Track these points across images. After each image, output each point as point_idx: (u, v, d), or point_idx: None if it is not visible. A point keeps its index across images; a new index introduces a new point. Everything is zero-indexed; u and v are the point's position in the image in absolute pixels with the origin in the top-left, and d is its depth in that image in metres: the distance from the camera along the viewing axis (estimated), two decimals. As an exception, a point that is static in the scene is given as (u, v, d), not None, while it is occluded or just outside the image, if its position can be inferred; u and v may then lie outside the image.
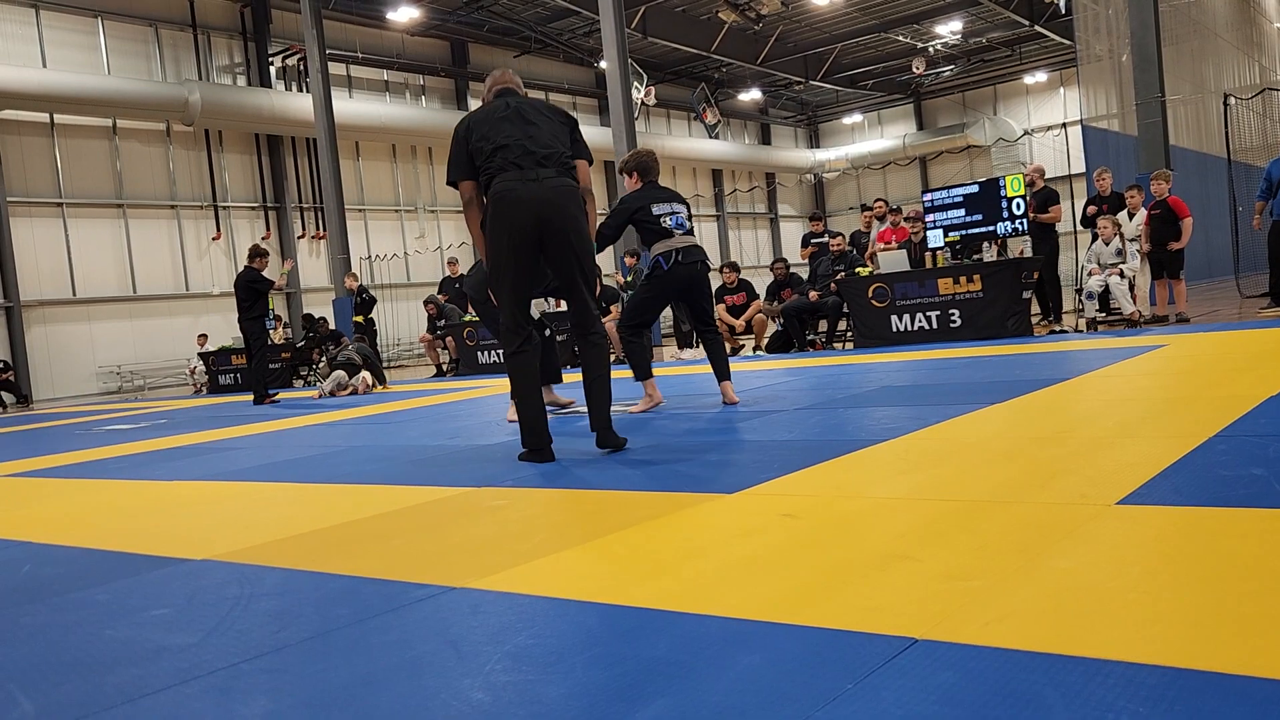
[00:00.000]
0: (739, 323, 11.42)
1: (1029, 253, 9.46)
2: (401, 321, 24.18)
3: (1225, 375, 4.68)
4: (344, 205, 19.76)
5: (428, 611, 2.01)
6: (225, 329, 19.12)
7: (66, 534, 3.41)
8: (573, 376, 9.72)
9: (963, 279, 9.19)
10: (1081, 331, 8.91)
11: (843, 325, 10.80)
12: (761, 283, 13.22)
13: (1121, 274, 8.83)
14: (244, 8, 23.25)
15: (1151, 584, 1.74)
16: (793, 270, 11.89)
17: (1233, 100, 12.70)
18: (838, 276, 10.56)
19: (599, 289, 4.28)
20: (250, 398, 11.31)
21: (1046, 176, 10.55)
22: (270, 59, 23.45)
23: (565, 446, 4.31)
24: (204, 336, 18.40)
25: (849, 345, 10.52)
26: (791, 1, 25.78)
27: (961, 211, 9.62)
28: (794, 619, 1.73)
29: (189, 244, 22.23)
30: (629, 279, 13.10)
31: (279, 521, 3.26)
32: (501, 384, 7.74)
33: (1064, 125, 26.50)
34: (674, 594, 1.96)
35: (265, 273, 10.83)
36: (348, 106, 22.41)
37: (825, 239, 11.87)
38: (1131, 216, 9.46)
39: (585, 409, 6.00)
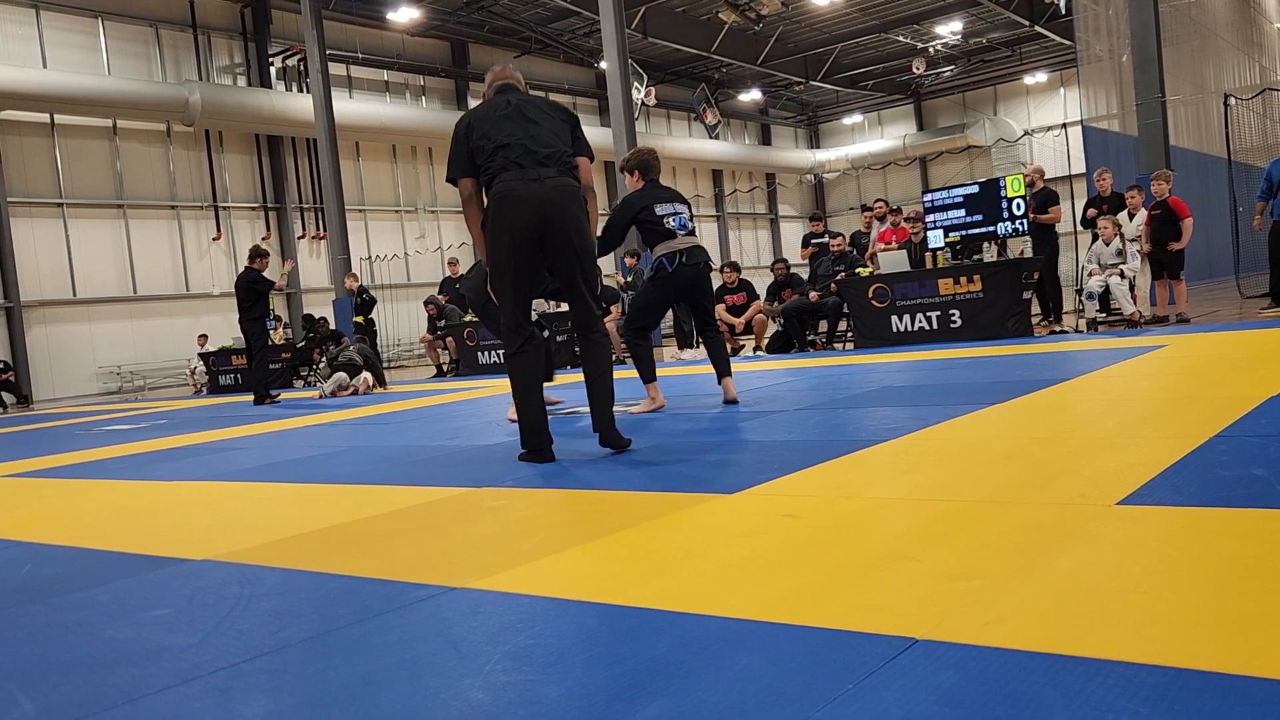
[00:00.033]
0: (739, 322, 11.42)
1: (1029, 253, 9.46)
2: (402, 322, 24.18)
3: (1225, 375, 4.68)
4: (344, 205, 19.77)
5: (428, 612, 2.01)
6: (225, 329, 19.13)
7: (67, 534, 3.41)
8: (574, 376, 9.75)
9: (963, 279, 9.19)
10: (1082, 332, 8.91)
11: (843, 325, 10.80)
12: (762, 283, 13.22)
13: (1122, 274, 8.83)
14: (244, 8, 23.26)
15: (1152, 584, 1.74)
16: (793, 271, 11.89)
17: (1233, 100, 12.70)
18: (838, 277, 10.56)
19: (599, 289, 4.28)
20: (250, 398, 11.32)
21: (1047, 177, 10.55)
22: (270, 59, 23.46)
23: (565, 447, 4.31)
24: (204, 337, 18.40)
25: (849, 345, 10.52)
26: (792, 2, 25.79)
27: (962, 212, 9.62)
28: (794, 619, 1.73)
29: (189, 244, 22.24)
30: (629, 279, 13.10)
31: (279, 522, 3.26)
32: (502, 384, 7.74)
33: (1064, 125, 26.48)
34: (674, 594, 1.96)
35: (266, 273, 10.84)
36: (348, 107, 22.42)
37: (825, 239, 11.87)
38: (1132, 217, 9.46)
39: (578, 408, 6.02)
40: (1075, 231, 11.10)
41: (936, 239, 9.75)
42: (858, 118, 38.24)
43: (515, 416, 4.50)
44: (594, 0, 17.18)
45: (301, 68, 23.44)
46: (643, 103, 26.75)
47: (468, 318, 13.27)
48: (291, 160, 24.28)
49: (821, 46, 30.42)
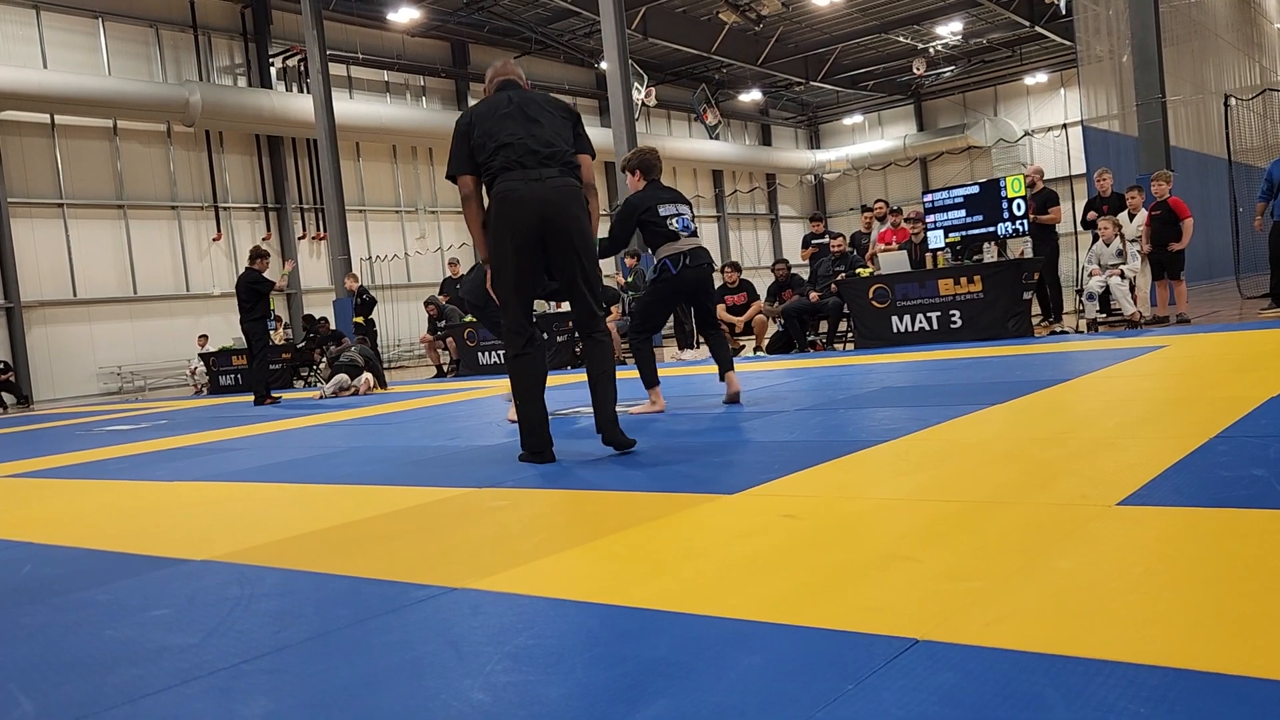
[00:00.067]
0: (739, 321, 11.42)
1: (1029, 253, 9.46)
2: (402, 322, 24.19)
3: (1226, 376, 4.68)
4: (344, 206, 19.78)
5: (428, 612, 2.01)
6: (226, 330, 19.14)
7: (67, 534, 3.41)
8: (572, 377, 9.75)
9: (963, 280, 9.19)
10: (1082, 332, 8.91)
11: (843, 326, 10.80)
12: (762, 284, 13.21)
13: (1122, 275, 8.83)
14: (244, 8, 23.27)
15: (1152, 584, 1.74)
16: (794, 271, 11.89)
17: (1233, 101, 12.70)
18: (838, 277, 10.56)
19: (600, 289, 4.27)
20: (251, 398, 11.32)
21: (1047, 177, 10.56)
22: (271, 60, 23.47)
23: (566, 447, 4.30)
24: (204, 337, 18.40)
25: (849, 346, 10.52)
26: (792, 2, 25.80)
27: (962, 212, 9.62)
28: (795, 619, 1.73)
29: (189, 245, 22.25)
30: (629, 279, 13.10)
31: (279, 522, 3.26)
32: (502, 385, 7.74)
33: (1064, 126, 26.48)
34: (675, 594, 1.96)
35: (266, 274, 10.84)
36: (348, 107, 22.43)
37: (826, 240, 11.86)
38: (1132, 217, 9.46)
39: (580, 408, 6.02)
40: (1075, 232, 11.10)
41: (937, 239, 9.75)
42: (858, 118, 38.25)
43: (515, 417, 4.50)
44: (594, 1, 17.18)
45: (302, 68, 23.45)
46: (643, 103, 26.75)
47: (468, 318, 13.27)
48: (292, 161, 24.29)
49: (822, 47, 30.43)
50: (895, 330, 9.64)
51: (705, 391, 6.70)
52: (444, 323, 14.14)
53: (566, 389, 8.03)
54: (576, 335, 12.69)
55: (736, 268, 11.92)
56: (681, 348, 12.77)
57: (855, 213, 29.08)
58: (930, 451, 3.35)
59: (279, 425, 7.51)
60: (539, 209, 3.80)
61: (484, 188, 3.98)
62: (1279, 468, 2.52)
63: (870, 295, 9.82)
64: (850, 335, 10.54)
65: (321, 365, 15.03)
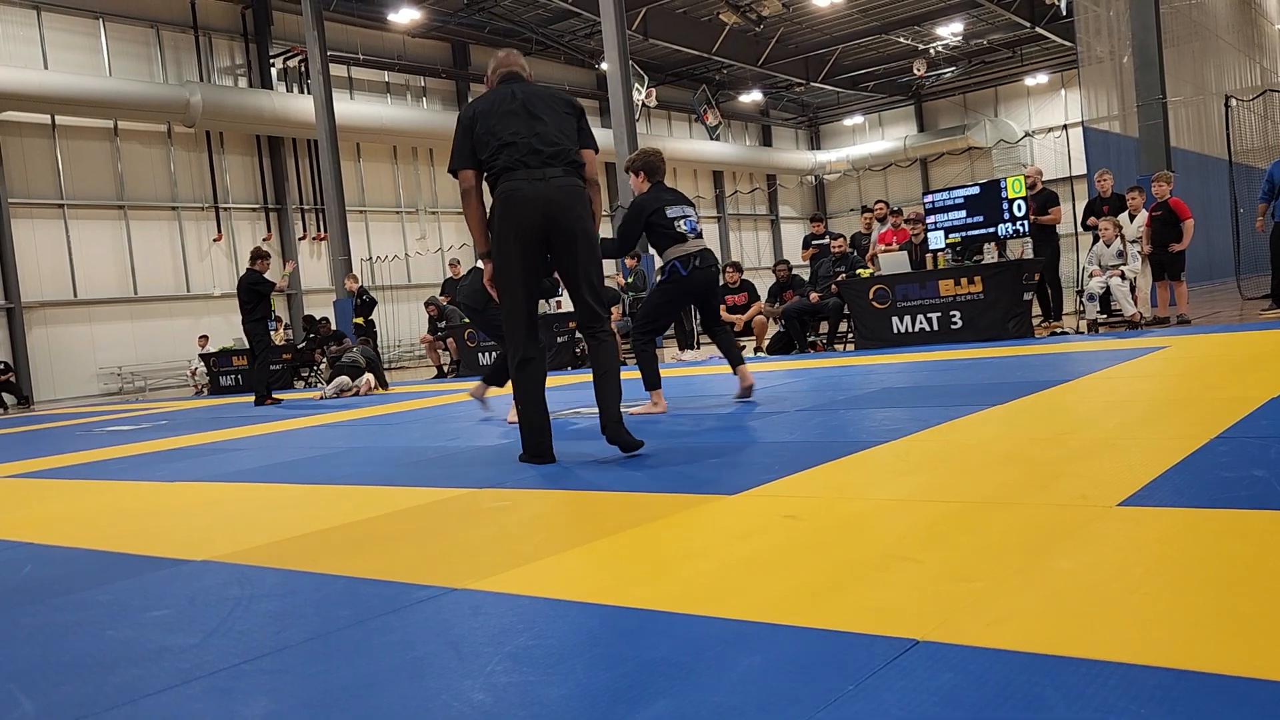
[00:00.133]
0: (739, 320, 11.42)
1: (1029, 254, 9.46)
2: (402, 323, 24.19)
3: (1226, 377, 4.68)
4: (345, 207, 19.79)
5: (429, 613, 2.01)
6: (226, 330, 19.14)
7: (68, 535, 3.41)
8: (570, 378, 9.76)
9: (964, 281, 9.19)
10: (1082, 333, 8.91)
11: (844, 327, 10.81)
12: (762, 284, 13.21)
13: (1123, 275, 8.83)
14: (245, 9, 23.28)
15: (1152, 585, 1.74)
16: (794, 272, 11.89)
17: (1234, 102, 12.70)
18: (839, 278, 10.56)
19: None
20: (251, 399, 11.33)
21: (1048, 178, 10.57)
22: (271, 60, 23.48)
23: (566, 448, 4.30)
24: (205, 338, 18.41)
25: (850, 347, 10.52)
26: (792, 3, 25.81)
27: (962, 213, 9.62)
28: (795, 620, 1.73)
29: (190, 245, 22.26)
30: (630, 280, 13.11)
31: (280, 522, 3.26)
32: (507, 384, 7.74)
33: (1065, 127, 26.50)
34: (675, 595, 1.96)
35: (267, 275, 10.85)
36: (349, 108, 22.44)
37: (826, 240, 11.87)
38: (1132, 218, 9.46)
39: (581, 409, 6.02)
40: (1076, 233, 11.10)
41: (937, 240, 9.75)
42: (858, 119, 38.26)
43: (516, 418, 4.49)
44: (595, 2, 17.20)
45: (302, 69, 23.47)
46: (644, 104, 26.76)
47: (465, 320, 13.27)
48: (292, 161, 24.30)
49: (822, 48, 30.44)
50: (895, 331, 9.64)
51: (706, 392, 6.70)
52: (444, 323, 14.14)
53: (566, 389, 8.03)
54: (577, 336, 12.75)
55: (738, 268, 11.93)
56: (682, 348, 12.77)
57: (856, 213, 29.07)
58: (931, 452, 3.35)
59: (280, 426, 7.51)
60: (543, 208, 3.80)
61: (487, 184, 3.97)
62: (1279, 468, 2.52)
63: (870, 296, 9.82)
64: (850, 336, 10.54)
65: (322, 366, 15.04)
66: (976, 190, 9.67)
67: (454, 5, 24.58)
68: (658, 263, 5.68)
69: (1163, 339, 7.09)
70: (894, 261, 9.85)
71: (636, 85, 23.82)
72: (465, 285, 6.71)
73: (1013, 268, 8.99)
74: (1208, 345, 6.34)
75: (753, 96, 33.92)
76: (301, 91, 23.52)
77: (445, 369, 14.39)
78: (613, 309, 11.62)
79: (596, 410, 3.98)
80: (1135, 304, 8.80)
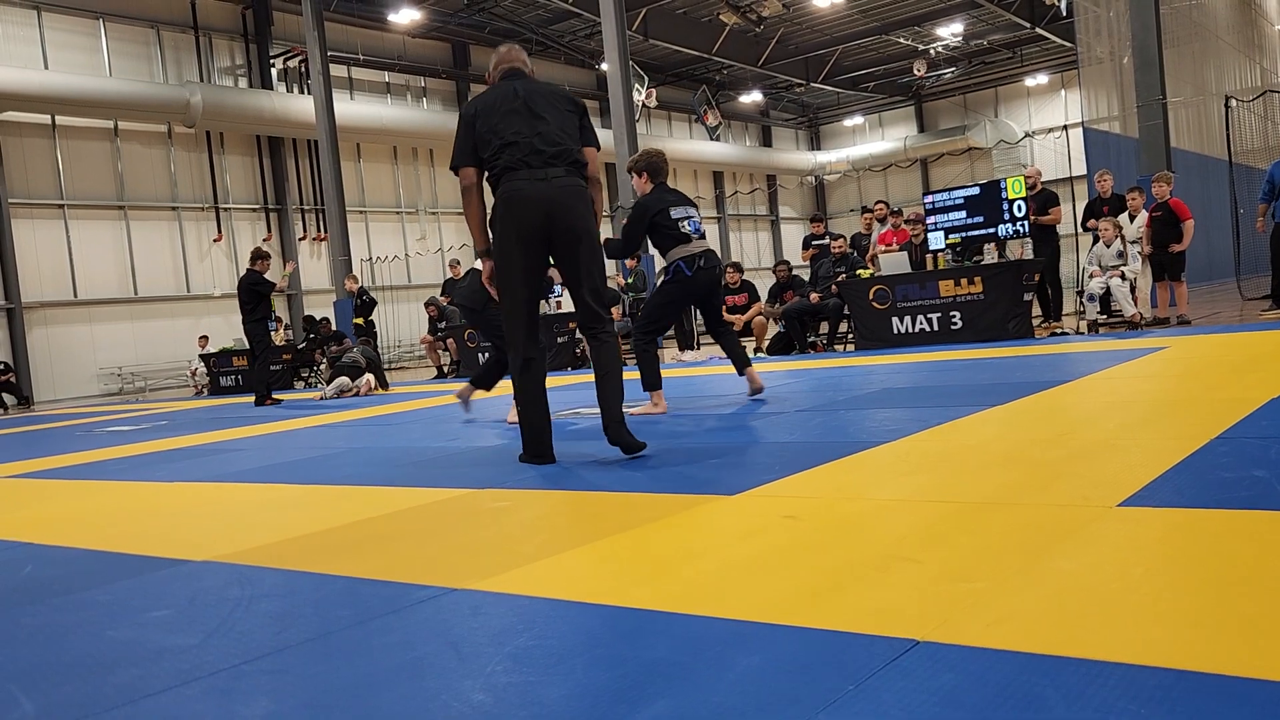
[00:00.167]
0: (738, 320, 11.42)
1: (1029, 255, 9.46)
2: (402, 323, 24.19)
3: (1226, 377, 4.68)
4: (345, 207, 19.79)
5: (429, 613, 2.01)
6: (226, 330, 19.14)
7: (68, 535, 3.41)
8: (569, 379, 9.76)
9: (964, 281, 9.19)
10: (1082, 334, 8.91)
11: (844, 327, 10.81)
12: (762, 285, 13.21)
13: (1123, 276, 8.83)
14: (245, 9, 23.29)
15: (1153, 586, 1.74)
16: (794, 273, 11.89)
17: (1234, 102, 12.70)
18: (839, 278, 10.57)
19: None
20: (252, 399, 11.33)
21: (1048, 179, 10.57)
22: (271, 61, 23.48)
23: (566, 448, 4.30)
24: (205, 338, 18.41)
25: (850, 347, 10.52)
26: (793, 4, 25.81)
27: (962, 214, 9.62)
28: (795, 620, 1.73)
29: (190, 246, 22.26)
30: (630, 280, 13.10)
31: (280, 523, 3.26)
32: (502, 386, 7.74)
33: (1065, 127, 26.48)
34: (675, 595, 1.96)
35: (267, 275, 10.85)
36: (349, 108, 22.44)
37: (826, 241, 11.87)
38: (1133, 219, 9.46)
39: (581, 409, 6.03)
40: (1076, 233, 11.10)
41: (937, 241, 9.75)
42: (858, 119, 38.26)
43: (516, 419, 4.49)
44: (595, 2, 17.20)
45: (303, 69, 23.47)
46: (644, 104, 26.77)
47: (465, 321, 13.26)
48: (292, 162, 24.31)
49: (822, 48, 30.44)
50: (896, 331, 9.64)
51: (706, 392, 6.70)
52: (444, 324, 14.14)
53: (566, 390, 8.03)
54: (578, 336, 12.74)
55: (739, 268, 11.93)
56: (682, 349, 12.77)
57: (856, 214, 29.09)
58: (931, 452, 3.35)
59: (280, 426, 7.51)
60: (545, 207, 3.79)
61: (488, 181, 3.95)
62: (1279, 469, 2.52)
63: (871, 296, 9.82)
64: (851, 336, 10.54)
65: (322, 366, 15.04)
66: (976, 191, 9.67)
67: (454, 5, 24.59)
68: (658, 264, 5.69)
69: (1163, 339, 7.09)
70: (894, 262, 9.85)
71: (636, 86, 23.83)
72: (463, 286, 6.69)
73: (1013, 268, 8.99)
74: (1208, 346, 6.34)
75: (753, 97, 33.92)
76: (302, 92, 23.52)
77: (445, 369, 14.39)
78: (612, 310, 11.65)
79: (597, 411, 3.97)
80: (1135, 304, 8.80)
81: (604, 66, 18.57)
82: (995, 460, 3.08)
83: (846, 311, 10.37)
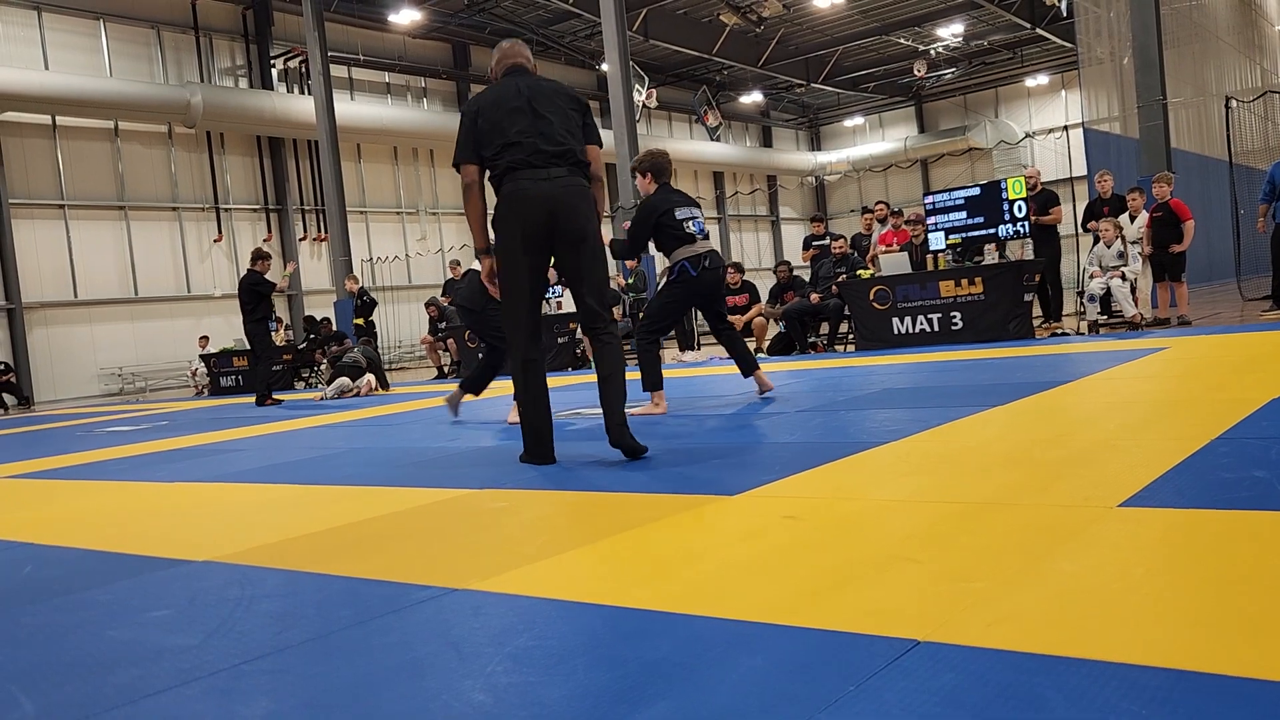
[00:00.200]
0: (738, 320, 11.42)
1: (1030, 255, 9.46)
2: (403, 324, 24.20)
3: (1227, 378, 4.68)
4: (345, 207, 19.78)
5: (429, 613, 2.01)
6: (227, 331, 19.15)
7: (68, 535, 3.41)
8: (569, 379, 9.76)
9: (964, 281, 9.19)
10: (1083, 334, 8.91)
11: (844, 328, 10.81)
12: (763, 285, 13.21)
13: (1123, 276, 8.83)
14: (246, 10, 23.29)
15: (1154, 586, 1.74)
16: (795, 273, 11.89)
17: (1234, 103, 12.70)
18: (839, 279, 10.56)
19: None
20: (252, 399, 11.33)
21: (1049, 179, 10.58)
22: (272, 61, 23.49)
23: (567, 449, 4.30)
24: (205, 338, 18.42)
25: (850, 348, 10.52)
26: (793, 4, 25.81)
27: (963, 214, 9.63)
28: (796, 621, 1.73)
29: (190, 246, 22.26)
30: (630, 281, 13.10)
31: (280, 523, 3.26)
32: (503, 386, 7.74)
33: (1065, 128, 26.47)
34: (676, 596, 1.96)
35: (267, 275, 10.85)
36: (349, 109, 22.44)
37: (827, 241, 11.87)
38: (1133, 219, 9.46)
39: (581, 410, 6.02)
40: (1077, 234, 11.11)
41: (938, 241, 9.75)
42: (859, 120, 38.26)
43: (516, 419, 4.48)
44: (595, 2, 17.20)
45: (303, 69, 23.47)
46: (644, 105, 26.76)
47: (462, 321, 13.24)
48: (293, 162, 24.31)
49: (823, 49, 30.44)
50: (896, 332, 9.64)
51: (706, 393, 6.70)
52: (445, 324, 14.14)
53: (567, 390, 8.03)
54: (578, 337, 12.71)
55: (740, 268, 11.93)
56: (683, 349, 12.77)
57: (856, 214, 29.10)
58: (931, 453, 3.35)
59: (280, 426, 7.51)
60: (549, 206, 3.79)
61: (489, 179, 3.94)
62: (1279, 469, 2.52)
63: (871, 297, 9.82)
64: (851, 337, 10.54)
65: (323, 366, 15.04)
66: (977, 191, 9.67)
67: (454, 6, 24.60)
68: (658, 264, 5.70)
69: (1163, 340, 7.09)
70: (894, 262, 9.85)
71: (637, 86, 23.84)
72: (462, 287, 6.67)
73: (1013, 269, 8.99)
74: (1208, 346, 6.34)
75: (753, 97, 33.92)
76: (302, 92, 23.52)
77: (446, 370, 14.39)
78: (613, 310, 11.64)
79: (598, 412, 3.97)
80: (1136, 305, 8.80)
81: (604, 67, 18.57)
82: (996, 461, 3.08)
83: (847, 312, 10.37)
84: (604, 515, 2.87)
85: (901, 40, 29.88)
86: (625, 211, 15.27)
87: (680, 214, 5.56)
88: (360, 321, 15.38)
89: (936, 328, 9.38)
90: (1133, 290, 8.85)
